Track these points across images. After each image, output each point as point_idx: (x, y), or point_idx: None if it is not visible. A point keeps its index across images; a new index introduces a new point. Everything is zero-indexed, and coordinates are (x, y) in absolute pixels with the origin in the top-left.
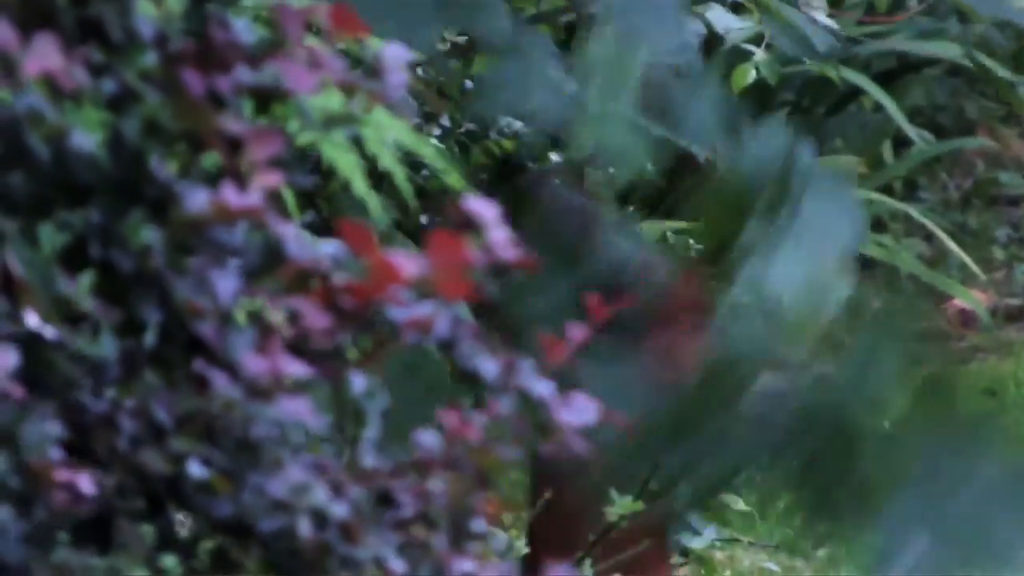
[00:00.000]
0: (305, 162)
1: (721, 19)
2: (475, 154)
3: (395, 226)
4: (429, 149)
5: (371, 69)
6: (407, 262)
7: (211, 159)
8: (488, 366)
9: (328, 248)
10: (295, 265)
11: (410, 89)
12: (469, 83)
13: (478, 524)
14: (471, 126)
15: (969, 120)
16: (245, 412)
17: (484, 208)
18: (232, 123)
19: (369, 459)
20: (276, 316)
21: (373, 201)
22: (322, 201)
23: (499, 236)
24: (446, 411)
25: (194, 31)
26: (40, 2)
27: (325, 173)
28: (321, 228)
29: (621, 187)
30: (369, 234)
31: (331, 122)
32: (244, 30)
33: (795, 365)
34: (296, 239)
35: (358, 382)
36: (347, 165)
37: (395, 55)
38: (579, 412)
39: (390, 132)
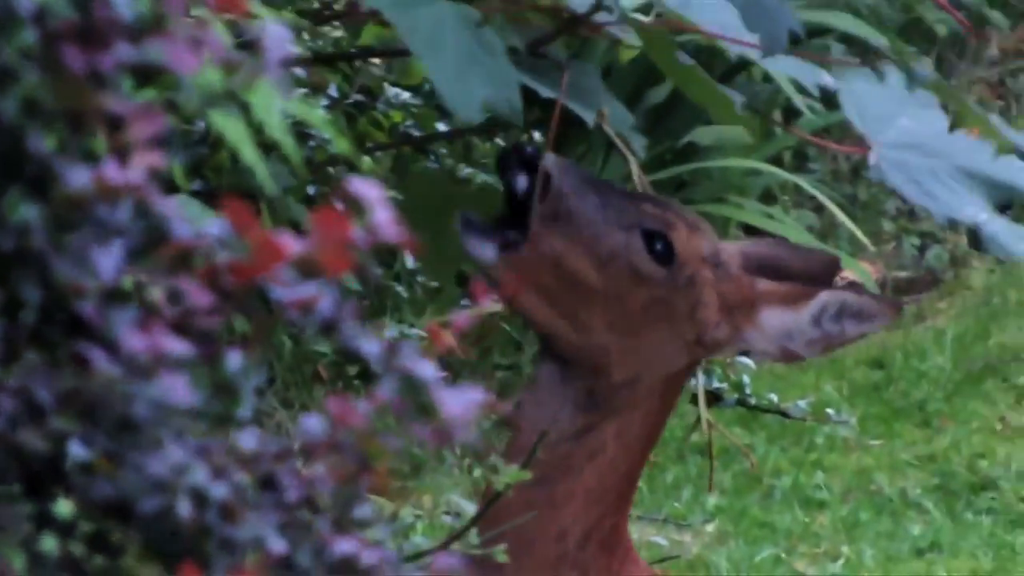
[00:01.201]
0: (192, 132)
1: None
2: (362, 124)
3: (287, 193)
4: (318, 117)
5: (253, 45)
6: (290, 241)
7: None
8: (370, 347)
9: (211, 227)
10: (178, 244)
11: (297, 60)
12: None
13: (363, 509)
14: (359, 96)
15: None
16: (125, 390)
17: (368, 188)
18: (113, 101)
19: (249, 441)
20: (157, 294)
21: (261, 169)
22: (210, 171)
23: (382, 216)
24: (331, 398)
25: (74, 7)
26: None
27: (214, 142)
28: (210, 197)
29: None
30: (252, 212)
31: (213, 100)
32: (125, 6)
33: None
34: (179, 217)
35: (234, 360)
36: (235, 134)
37: (276, 31)
38: (462, 398)
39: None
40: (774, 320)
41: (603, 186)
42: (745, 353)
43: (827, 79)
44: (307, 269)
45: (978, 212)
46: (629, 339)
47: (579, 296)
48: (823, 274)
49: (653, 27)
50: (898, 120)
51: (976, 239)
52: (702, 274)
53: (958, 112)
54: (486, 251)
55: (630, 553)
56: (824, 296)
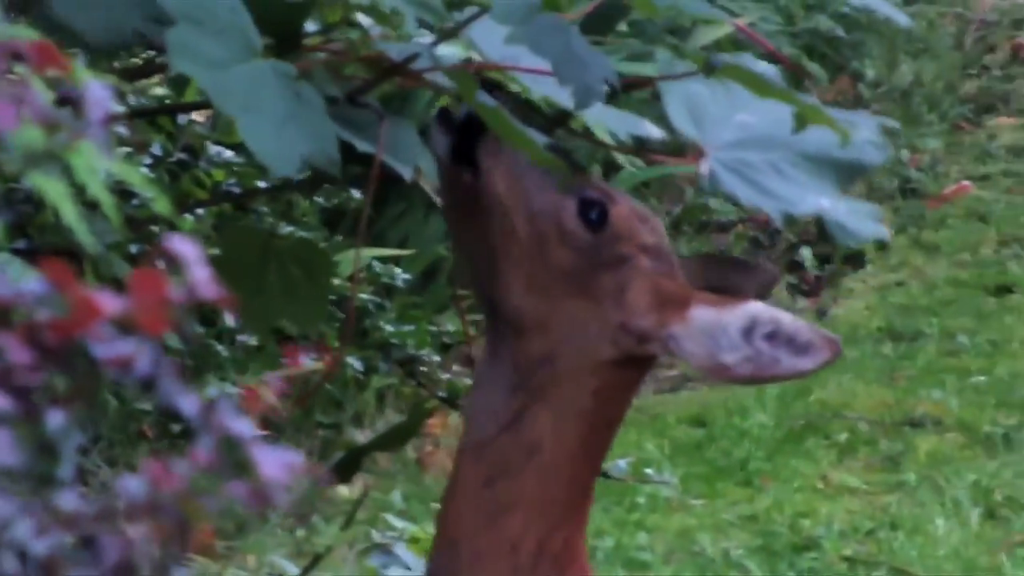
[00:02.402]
0: (15, 191)
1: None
2: (185, 182)
3: (110, 251)
4: (138, 177)
5: (75, 104)
6: (109, 300)
7: None
8: (188, 404)
9: (31, 284)
10: None
11: (121, 118)
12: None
13: (180, 572)
14: (182, 155)
15: (679, 144)
16: None
17: (186, 246)
18: None
19: (70, 501)
20: None
21: (82, 229)
22: (34, 230)
23: (200, 274)
24: (149, 461)
25: None
26: None
27: (38, 201)
28: (35, 255)
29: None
30: (72, 271)
31: (34, 160)
32: None
33: None
34: None
35: (55, 419)
36: (56, 193)
37: (98, 90)
38: (280, 460)
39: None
40: (703, 318)
41: (558, 148)
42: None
43: (650, 129)
44: (127, 327)
45: (820, 200)
46: (544, 303)
47: (503, 242)
48: (760, 290)
49: (459, 68)
50: (735, 118)
51: (822, 229)
52: (638, 259)
53: (797, 112)
54: (440, 148)
55: (586, 572)
56: (757, 306)
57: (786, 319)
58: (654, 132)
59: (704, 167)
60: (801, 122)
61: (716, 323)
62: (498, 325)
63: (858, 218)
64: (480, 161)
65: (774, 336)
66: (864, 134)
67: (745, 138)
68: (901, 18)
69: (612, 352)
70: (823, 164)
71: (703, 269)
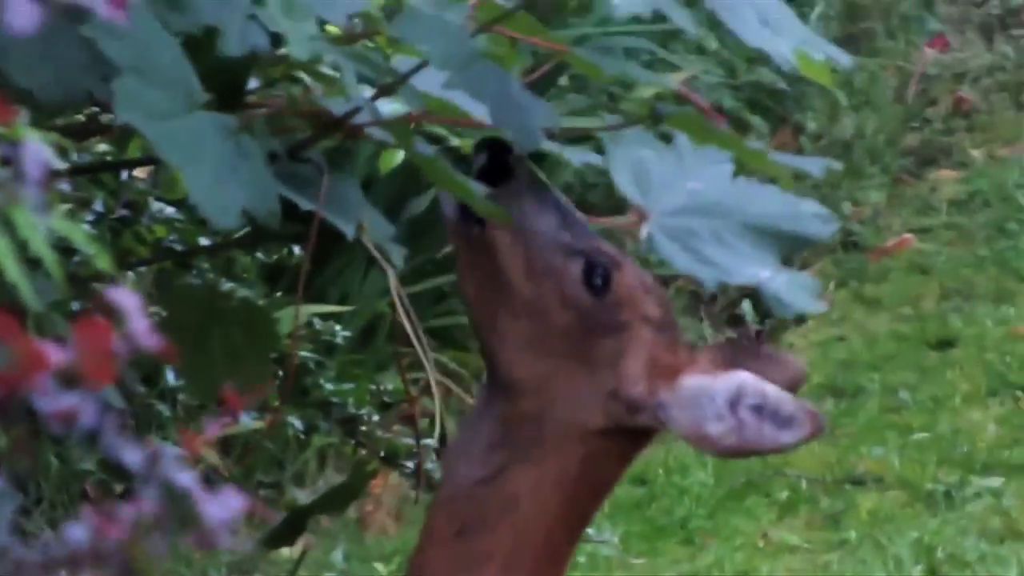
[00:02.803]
0: None
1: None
2: (126, 238)
3: (52, 308)
4: (80, 234)
5: (14, 162)
6: (54, 351)
7: None
8: (132, 456)
9: None
10: None
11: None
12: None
13: None
14: (123, 211)
15: (619, 199)
16: None
17: (125, 297)
18: None
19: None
20: None
21: (24, 286)
22: None
23: (140, 325)
24: (92, 509)
25: None
26: None
27: None
28: None
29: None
30: (16, 322)
31: None
32: None
33: None
34: None
35: None
36: None
37: (35, 150)
38: (224, 505)
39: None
40: (691, 386)
41: (569, 210)
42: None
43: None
44: (70, 380)
45: (759, 271)
46: (539, 361)
47: (505, 297)
48: (788, 384)
49: (398, 120)
50: (684, 184)
51: (760, 301)
52: (639, 329)
53: (737, 156)
54: (447, 209)
55: None
56: (744, 376)
57: (771, 391)
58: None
59: (644, 231)
60: (743, 166)
61: (704, 391)
62: (494, 376)
63: (795, 290)
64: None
65: (760, 408)
66: (811, 207)
67: (691, 205)
68: (843, 59)
69: (602, 420)
70: (767, 235)
71: (733, 358)
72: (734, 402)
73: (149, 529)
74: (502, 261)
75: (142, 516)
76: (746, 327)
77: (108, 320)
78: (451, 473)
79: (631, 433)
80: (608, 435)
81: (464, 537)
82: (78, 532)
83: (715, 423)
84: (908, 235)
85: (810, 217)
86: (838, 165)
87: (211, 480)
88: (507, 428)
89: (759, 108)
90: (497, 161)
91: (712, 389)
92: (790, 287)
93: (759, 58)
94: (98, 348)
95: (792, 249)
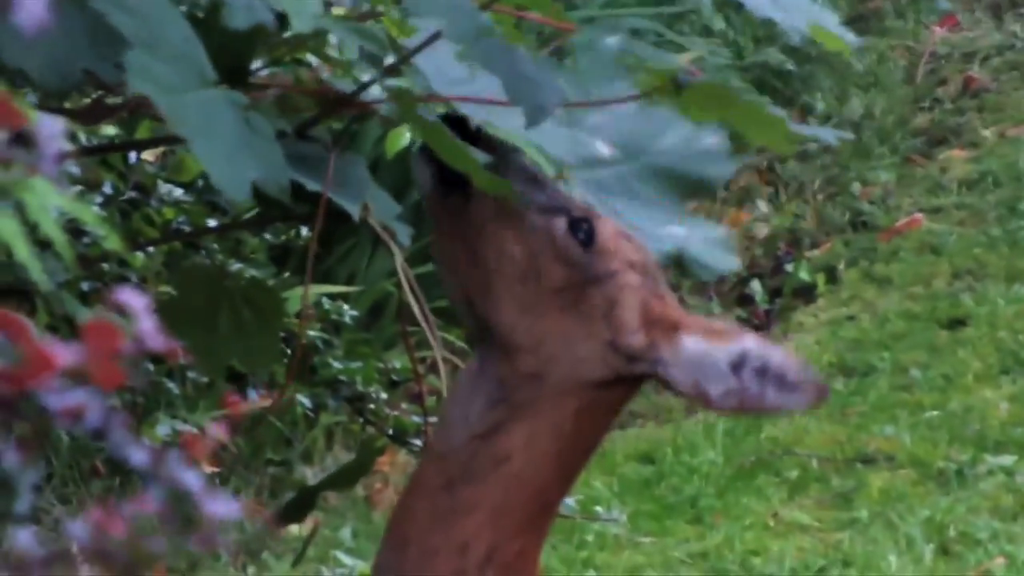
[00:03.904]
0: None
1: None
2: (135, 220)
3: (62, 288)
4: (90, 215)
5: (27, 141)
6: (61, 351)
7: None
8: (137, 455)
9: None
10: None
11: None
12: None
13: None
14: (133, 194)
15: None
16: None
17: (133, 298)
18: None
19: (22, 541)
20: None
21: (35, 266)
22: None
23: (148, 325)
24: (96, 506)
25: None
26: None
27: None
28: None
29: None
30: (24, 322)
31: None
32: None
33: None
34: None
35: (10, 456)
36: (8, 231)
37: (50, 127)
38: (226, 504)
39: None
40: (692, 347)
41: (538, 171)
42: (665, 384)
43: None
44: (78, 378)
45: (675, 230)
46: (537, 321)
47: (498, 263)
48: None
49: (401, 91)
50: (591, 118)
51: (680, 265)
52: (626, 276)
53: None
54: (424, 180)
55: None
56: (749, 342)
57: (776, 355)
58: (604, 151)
59: (574, 194)
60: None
61: (706, 355)
62: (488, 343)
63: (712, 250)
64: (471, 184)
65: (763, 372)
66: (713, 140)
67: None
68: (850, 38)
69: (601, 371)
70: (671, 179)
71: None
72: (737, 365)
73: (152, 529)
74: (490, 227)
75: (145, 513)
76: (755, 307)
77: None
78: (445, 431)
79: (624, 382)
80: (603, 386)
81: (451, 489)
82: (79, 529)
83: (717, 384)
84: (918, 215)
85: (711, 156)
86: (850, 135)
87: (219, 459)
88: (507, 387)
89: (767, 89)
90: (459, 134)
91: (715, 355)
92: (707, 246)
93: (767, 39)
94: (106, 349)
95: (694, 192)
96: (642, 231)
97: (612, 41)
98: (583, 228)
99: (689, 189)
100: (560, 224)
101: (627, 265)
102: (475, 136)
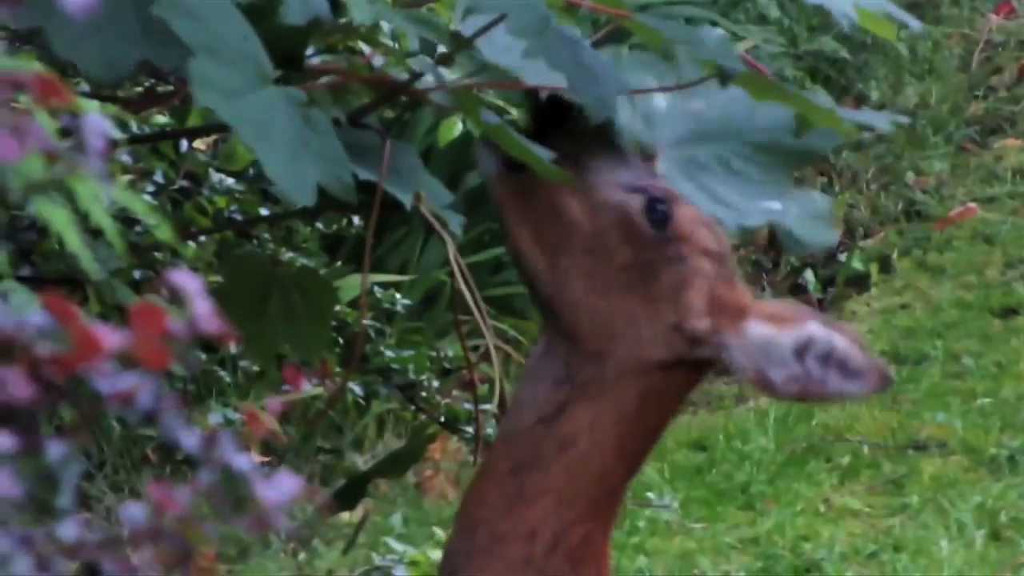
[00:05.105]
0: (20, 219)
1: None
2: (187, 209)
3: (113, 277)
4: (141, 205)
5: (74, 135)
6: (110, 334)
7: None
8: (189, 439)
9: (33, 318)
10: None
11: (123, 146)
12: (184, 142)
13: None
14: (184, 183)
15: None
16: None
17: (188, 280)
18: None
19: (70, 530)
20: None
21: (86, 256)
22: (39, 257)
23: (202, 308)
24: (153, 485)
25: None
26: None
27: (42, 228)
28: (40, 283)
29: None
30: (74, 302)
31: (36, 188)
32: None
33: None
34: None
35: (55, 449)
36: (59, 221)
37: (96, 122)
38: (279, 488)
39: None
40: (758, 334)
41: (626, 148)
42: (728, 369)
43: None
44: (128, 361)
45: (771, 205)
46: (602, 300)
47: (564, 238)
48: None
49: (462, 86)
50: (687, 106)
51: (775, 240)
52: (698, 261)
53: (796, 114)
54: (488, 164)
55: (603, 572)
56: (813, 327)
57: (841, 342)
58: (661, 104)
59: (660, 167)
60: (805, 123)
61: (770, 340)
62: (554, 323)
63: (810, 224)
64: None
65: (827, 357)
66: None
67: (696, 130)
68: (912, 23)
69: (663, 353)
70: (774, 154)
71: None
72: (801, 351)
73: (204, 514)
74: (560, 203)
75: (199, 494)
76: (808, 296)
77: (171, 298)
78: (512, 414)
79: (689, 367)
80: (667, 369)
81: (518, 474)
82: (137, 510)
83: (780, 369)
84: (972, 204)
85: (814, 129)
86: (904, 119)
87: (270, 448)
88: (571, 367)
89: (821, 77)
90: (549, 110)
91: (780, 340)
92: (804, 220)
93: (821, 27)
94: (154, 331)
95: (800, 164)
96: (735, 207)
97: (714, 35)
98: (659, 209)
99: (796, 161)
100: (636, 202)
101: (700, 251)
102: (574, 117)
